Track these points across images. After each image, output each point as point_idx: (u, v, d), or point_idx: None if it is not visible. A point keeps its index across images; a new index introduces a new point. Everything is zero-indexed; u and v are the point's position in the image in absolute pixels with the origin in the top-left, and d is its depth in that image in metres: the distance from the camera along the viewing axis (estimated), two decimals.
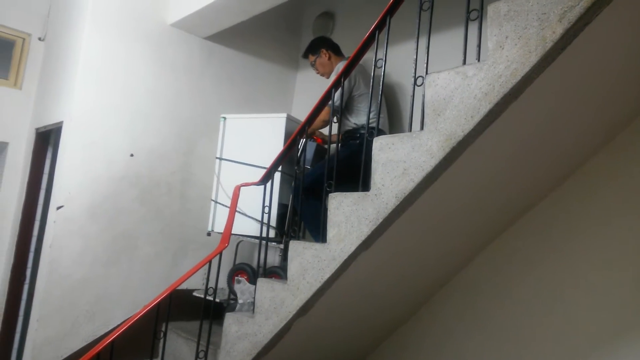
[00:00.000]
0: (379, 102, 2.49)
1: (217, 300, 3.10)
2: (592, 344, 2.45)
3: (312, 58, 3.56)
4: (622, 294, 2.37)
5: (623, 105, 2.33)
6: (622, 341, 2.37)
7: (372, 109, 3.14)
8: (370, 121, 3.08)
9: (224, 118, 3.66)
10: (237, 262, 3.61)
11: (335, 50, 3.55)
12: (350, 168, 2.51)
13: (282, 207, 3.36)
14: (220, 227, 3.47)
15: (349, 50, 2.52)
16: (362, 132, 3.10)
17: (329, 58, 3.50)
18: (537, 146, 2.24)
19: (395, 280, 2.66)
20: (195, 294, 3.54)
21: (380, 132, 3.01)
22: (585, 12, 1.52)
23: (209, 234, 3.62)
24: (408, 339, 3.12)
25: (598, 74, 2.00)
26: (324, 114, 2.89)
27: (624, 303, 2.37)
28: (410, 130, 2.07)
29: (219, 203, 3.56)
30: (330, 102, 2.63)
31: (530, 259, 2.69)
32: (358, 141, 3.05)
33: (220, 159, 3.61)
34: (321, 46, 3.52)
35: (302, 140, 2.87)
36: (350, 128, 3.21)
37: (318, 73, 3.63)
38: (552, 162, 2.45)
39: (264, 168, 2.87)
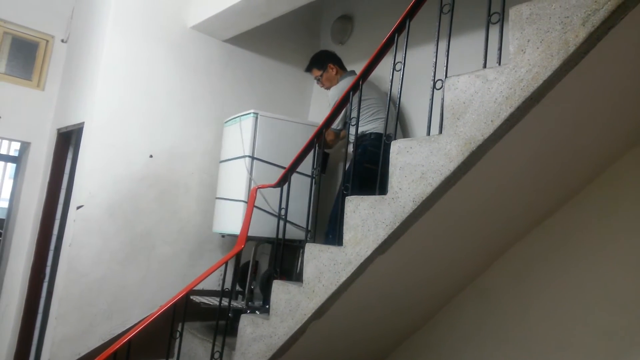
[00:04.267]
0: (388, 107, 2.56)
1: (235, 304, 3.10)
2: (618, 354, 2.39)
3: (318, 73, 3.57)
4: None
5: None
6: None
7: (380, 116, 3.16)
8: (373, 127, 3.17)
9: (256, 115, 3.40)
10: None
11: (341, 65, 3.58)
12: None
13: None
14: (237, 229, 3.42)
15: (367, 53, 2.51)
16: (365, 138, 3.17)
17: (336, 72, 3.53)
18: (558, 151, 2.21)
19: (411, 284, 2.64)
20: (200, 301, 3.34)
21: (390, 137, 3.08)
22: (610, 15, 1.49)
23: (223, 236, 3.62)
24: (425, 344, 3.09)
25: (622, 77, 1.97)
26: (328, 136, 3.15)
27: None
28: (429, 134, 2.05)
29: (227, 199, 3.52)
30: (334, 126, 3.05)
31: (552, 265, 2.64)
32: (360, 149, 3.06)
33: (253, 158, 3.37)
34: (328, 61, 3.53)
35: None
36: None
37: (323, 87, 3.65)
38: (574, 166, 2.41)
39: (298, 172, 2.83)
